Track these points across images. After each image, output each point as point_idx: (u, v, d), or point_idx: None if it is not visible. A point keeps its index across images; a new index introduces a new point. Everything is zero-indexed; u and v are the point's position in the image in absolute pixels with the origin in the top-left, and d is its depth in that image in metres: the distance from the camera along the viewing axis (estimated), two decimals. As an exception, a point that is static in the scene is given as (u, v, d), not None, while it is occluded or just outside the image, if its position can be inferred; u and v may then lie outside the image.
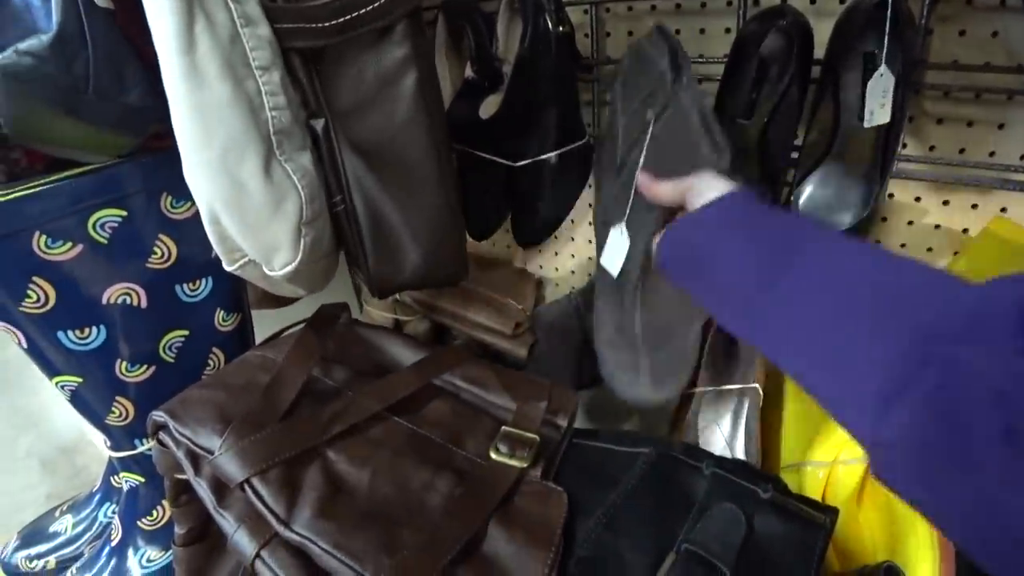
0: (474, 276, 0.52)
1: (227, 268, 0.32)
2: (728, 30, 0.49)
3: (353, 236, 0.36)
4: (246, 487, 0.26)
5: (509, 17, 0.51)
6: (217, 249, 0.32)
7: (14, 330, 0.36)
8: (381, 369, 0.37)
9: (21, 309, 0.35)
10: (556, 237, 0.67)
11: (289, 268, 0.31)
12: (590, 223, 0.62)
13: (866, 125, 0.40)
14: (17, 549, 0.50)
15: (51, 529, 0.51)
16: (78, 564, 0.45)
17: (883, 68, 0.38)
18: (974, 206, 0.43)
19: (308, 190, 0.31)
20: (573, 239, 0.67)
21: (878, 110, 0.39)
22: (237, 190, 0.28)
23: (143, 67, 0.31)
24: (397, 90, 0.33)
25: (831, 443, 0.36)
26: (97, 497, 0.51)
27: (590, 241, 0.66)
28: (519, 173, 0.51)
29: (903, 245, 0.48)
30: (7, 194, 0.34)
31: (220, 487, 0.28)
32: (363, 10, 0.31)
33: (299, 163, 0.31)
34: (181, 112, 0.27)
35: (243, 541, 0.26)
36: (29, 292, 0.35)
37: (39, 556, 0.49)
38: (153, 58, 0.28)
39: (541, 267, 0.72)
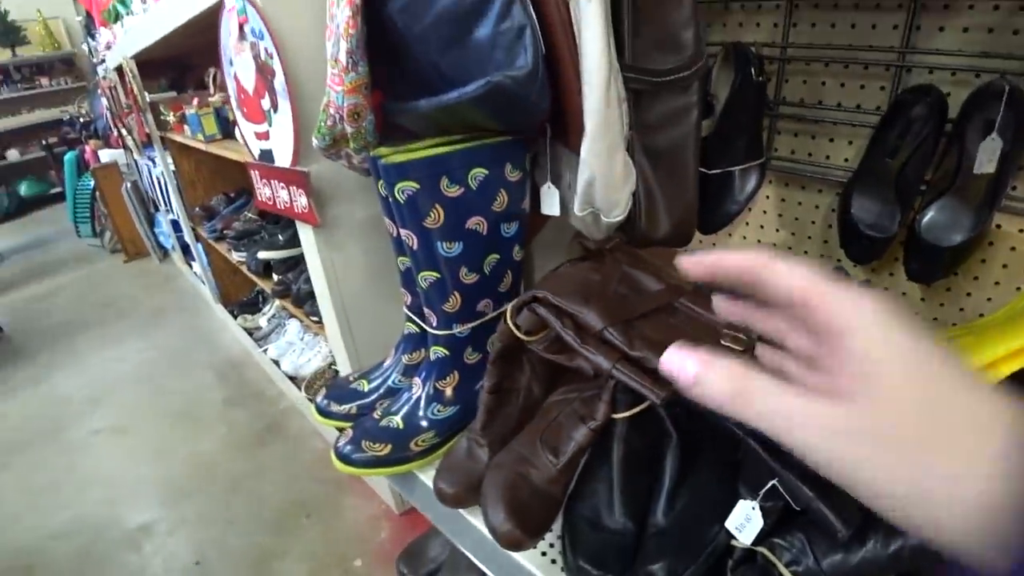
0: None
1: (578, 213, 0.61)
2: (882, 88, 0.75)
3: (635, 204, 0.65)
4: (605, 332, 0.54)
5: (721, 66, 0.79)
6: (579, 202, 0.60)
7: (414, 235, 0.66)
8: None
9: (424, 224, 0.64)
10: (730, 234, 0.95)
11: (619, 218, 0.60)
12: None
13: (975, 172, 0.66)
14: (327, 398, 0.80)
15: (351, 387, 0.81)
16: (383, 406, 0.75)
17: (995, 135, 0.64)
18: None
19: (634, 173, 0.60)
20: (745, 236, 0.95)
21: (986, 163, 0.65)
22: (610, 168, 0.57)
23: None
24: (687, 118, 0.62)
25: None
26: (388, 367, 0.80)
27: (743, 239, 0.93)
28: (714, 178, 0.79)
29: (1004, 266, 0.73)
30: (435, 148, 0.63)
31: (581, 333, 0.56)
32: (681, 75, 0.59)
33: (630, 159, 0.60)
34: (596, 123, 0.55)
35: (602, 361, 0.54)
36: (431, 213, 0.64)
37: (344, 403, 0.79)
38: (562, 81, 0.57)
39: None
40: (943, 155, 0.70)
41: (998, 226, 0.72)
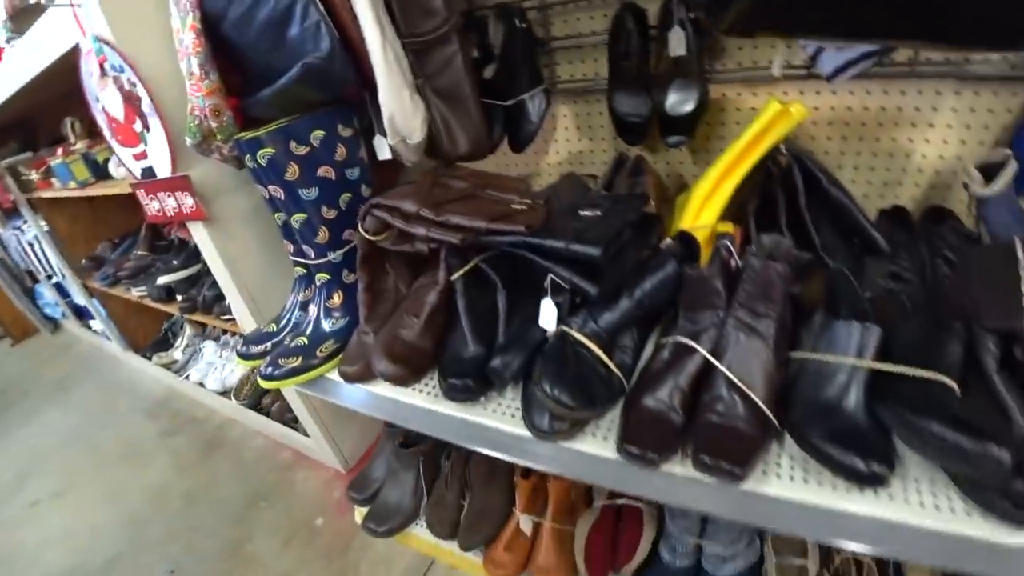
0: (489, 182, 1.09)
1: (391, 143, 0.89)
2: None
3: (437, 132, 0.93)
4: (420, 212, 0.83)
5: (495, 23, 1.09)
6: (390, 133, 0.88)
7: (280, 189, 0.91)
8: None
9: (285, 178, 0.91)
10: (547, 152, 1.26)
11: (419, 139, 0.88)
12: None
13: (673, 55, 0.98)
14: (245, 345, 1.04)
15: (263, 332, 1.06)
16: (291, 334, 1.00)
17: (676, 27, 0.97)
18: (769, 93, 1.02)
19: (422, 106, 0.89)
20: (547, 151, 1.26)
21: (678, 48, 0.98)
22: (401, 106, 0.85)
23: (354, 63, 0.88)
24: (455, 62, 0.91)
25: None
26: (288, 308, 1.06)
27: (557, 152, 1.25)
28: (510, 108, 1.09)
29: (737, 123, 1.07)
30: (283, 123, 0.90)
31: (407, 218, 0.84)
32: (439, 32, 0.88)
33: (418, 96, 0.89)
34: (382, 78, 0.84)
35: (420, 229, 0.82)
36: (288, 169, 0.90)
37: (260, 344, 1.04)
38: (358, 55, 0.85)
39: (527, 164, 1.31)
40: (658, 50, 1.03)
41: (724, 94, 1.06)
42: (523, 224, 0.78)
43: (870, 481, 0.60)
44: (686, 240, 0.84)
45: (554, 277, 0.78)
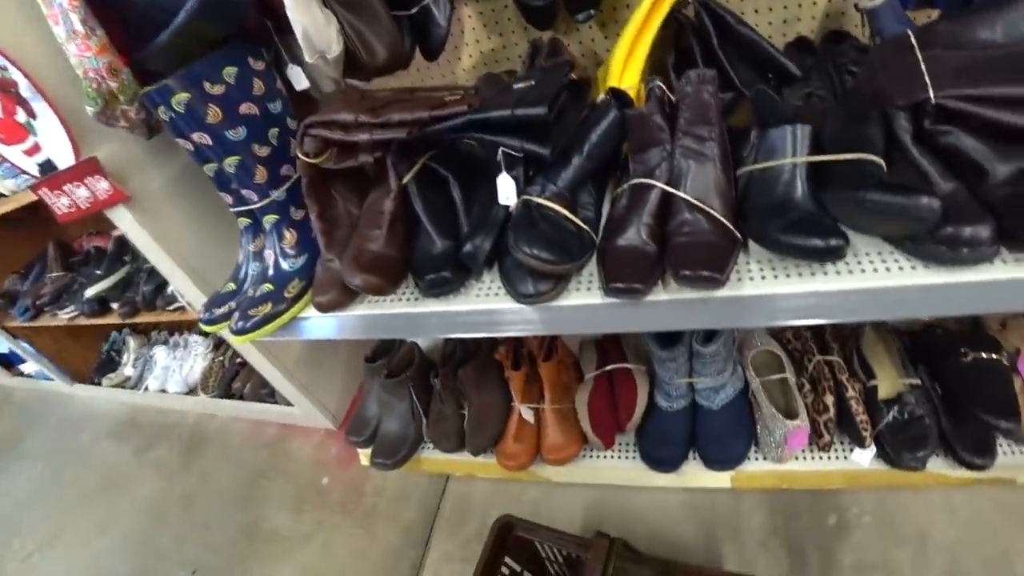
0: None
1: (310, 60, 0.86)
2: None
3: (353, 46, 0.91)
4: (358, 119, 0.81)
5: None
6: (306, 50, 0.85)
7: (206, 135, 0.87)
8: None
9: (207, 122, 0.86)
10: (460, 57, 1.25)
11: (339, 51, 0.86)
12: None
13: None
14: (207, 311, 1.01)
15: (223, 293, 1.02)
16: (253, 286, 0.98)
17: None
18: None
19: (334, 17, 0.86)
20: (460, 56, 1.25)
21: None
22: (312, 18, 0.82)
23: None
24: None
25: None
26: (242, 262, 1.03)
27: (471, 56, 1.23)
28: (417, 16, 1.06)
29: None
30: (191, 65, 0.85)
31: (346, 128, 0.82)
32: (330, -68, 0.85)
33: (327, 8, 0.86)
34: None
35: (363, 135, 0.81)
36: (208, 112, 0.86)
37: (222, 305, 1.01)
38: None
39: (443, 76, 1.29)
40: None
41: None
42: (465, 104, 0.78)
43: (832, 254, 0.66)
44: (618, 95, 0.87)
45: (505, 150, 0.79)
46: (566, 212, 0.78)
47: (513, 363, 1.15)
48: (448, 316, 0.85)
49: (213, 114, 0.87)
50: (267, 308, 0.94)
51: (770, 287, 0.70)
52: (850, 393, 1.01)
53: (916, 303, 0.68)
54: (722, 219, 0.72)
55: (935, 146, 0.70)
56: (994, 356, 0.98)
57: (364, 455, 1.36)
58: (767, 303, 0.70)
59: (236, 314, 0.96)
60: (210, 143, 0.89)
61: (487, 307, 0.81)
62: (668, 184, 0.75)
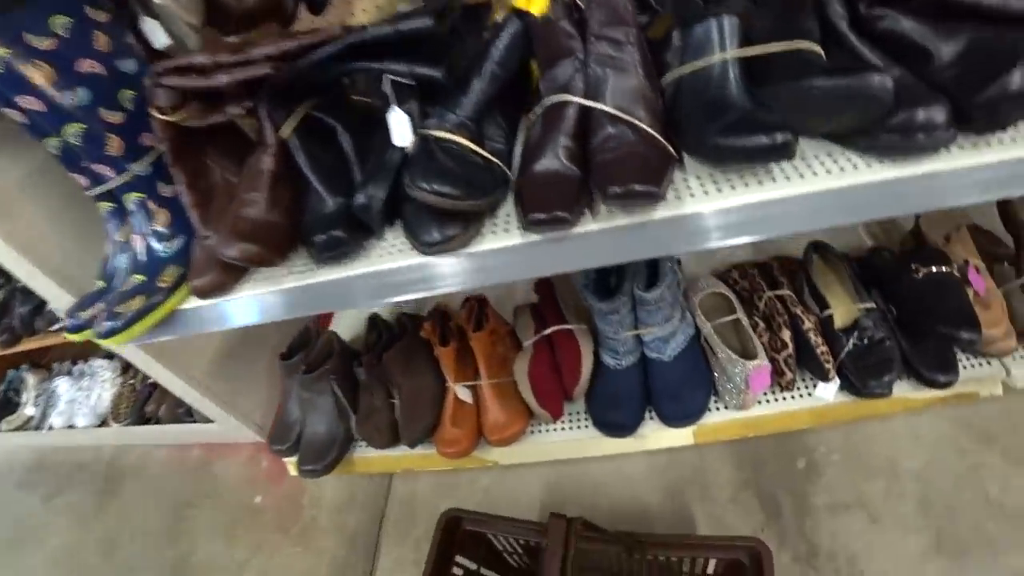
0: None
1: (160, 1, 0.71)
2: None
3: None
4: (217, 59, 0.67)
5: None
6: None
7: (36, 99, 0.71)
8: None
9: (35, 83, 0.70)
10: None
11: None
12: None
13: None
14: (71, 316, 0.85)
15: (91, 293, 0.86)
16: (122, 279, 0.82)
17: None
18: None
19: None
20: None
21: None
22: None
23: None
24: None
25: None
26: (110, 254, 0.86)
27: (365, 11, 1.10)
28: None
29: None
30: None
31: (205, 72, 0.68)
32: None
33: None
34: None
35: (223, 76, 0.67)
36: (35, 70, 0.70)
37: (90, 307, 0.84)
38: None
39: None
40: None
41: None
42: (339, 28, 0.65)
43: (780, 152, 0.57)
44: (521, 12, 0.76)
45: (393, 78, 0.67)
46: (471, 144, 0.67)
47: (441, 339, 1.03)
48: (350, 282, 0.72)
49: (43, 74, 0.71)
50: (139, 302, 0.79)
51: (714, 202, 0.61)
52: (806, 325, 0.93)
53: (875, 202, 0.60)
54: (649, 130, 0.62)
55: (873, 32, 0.64)
56: (944, 269, 0.93)
57: (292, 464, 1.21)
58: (713, 221, 0.61)
59: (102, 314, 0.80)
60: (43, 110, 0.73)
61: (393, 265, 0.69)
62: (585, 98, 0.64)
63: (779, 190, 0.60)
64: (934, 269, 0.93)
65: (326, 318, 1.43)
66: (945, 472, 0.96)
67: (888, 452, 1.00)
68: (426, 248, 0.65)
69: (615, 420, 0.96)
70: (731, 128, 0.59)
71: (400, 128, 0.70)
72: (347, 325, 1.36)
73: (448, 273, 0.67)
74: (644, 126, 0.62)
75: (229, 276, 0.77)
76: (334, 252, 0.71)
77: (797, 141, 0.58)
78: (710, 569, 0.76)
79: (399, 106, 0.69)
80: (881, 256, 1.03)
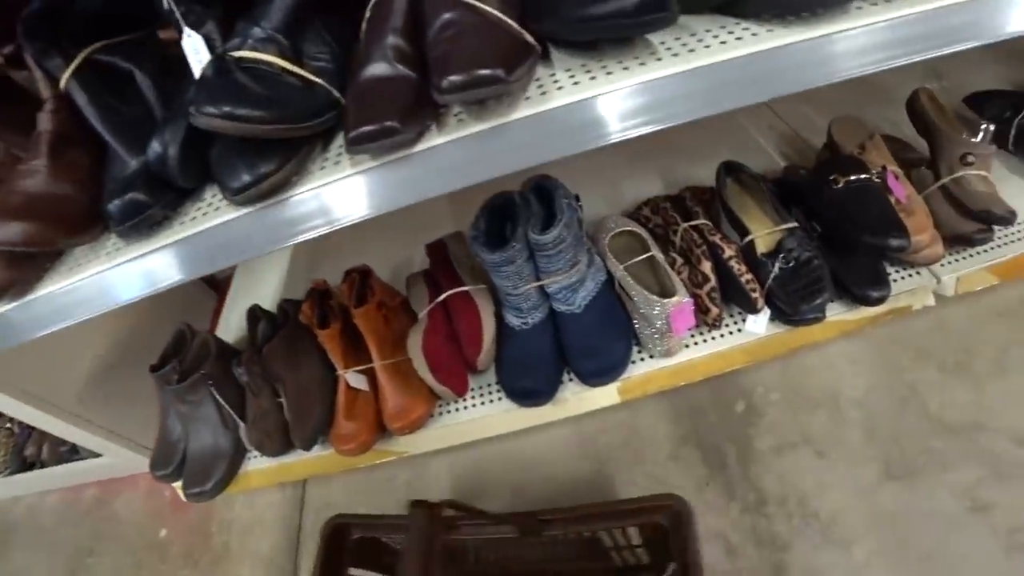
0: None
1: None
2: None
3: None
4: None
5: None
6: None
7: None
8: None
9: None
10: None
11: None
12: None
13: None
14: None
15: None
16: None
17: None
18: None
19: None
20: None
21: None
22: None
23: None
24: None
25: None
26: None
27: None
28: None
29: None
30: None
31: None
32: None
33: None
34: None
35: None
36: None
37: None
38: None
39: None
40: None
41: None
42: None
43: (655, 8, 0.45)
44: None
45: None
46: (282, 61, 0.53)
47: (320, 321, 0.89)
48: (170, 253, 0.58)
49: None
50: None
51: (587, 90, 0.49)
52: (727, 254, 0.84)
53: (781, 74, 0.50)
54: (496, 12, 0.49)
55: None
56: (863, 176, 0.85)
57: (180, 488, 1.05)
58: (587, 114, 0.49)
59: None
60: None
61: (216, 222, 0.55)
62: (419, -12, 0.52)
63: (664, 68, 0.49)
64: (853, 177, 0.84)
65: (214, 321, 1.26)
66: (886, 395, 0.88)
67: (827, 383, 0.92)
68: (234, 196, 0.51)
69: (528, 387, 0.84)
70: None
71: (198, 56, 0.56)
72: (239, 325, 1.20)
73: (260, 229, 0.54)
74: (488, 7, 0.49)
75: (21, 270, 0.61)
76: (134, 220, 0.56)
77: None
78: (635, 540, 0.65)
79: (193, 28, 0.55)
80: (797, 173, 0.95)
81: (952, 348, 0.89)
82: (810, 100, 1.22)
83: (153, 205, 0.56)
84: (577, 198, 0.83)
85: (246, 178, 0.50)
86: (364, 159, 0.51)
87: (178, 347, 0.99)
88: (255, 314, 0.98)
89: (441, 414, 0.90)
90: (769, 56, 0.49)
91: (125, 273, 0.60)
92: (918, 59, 0.50)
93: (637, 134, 0.51)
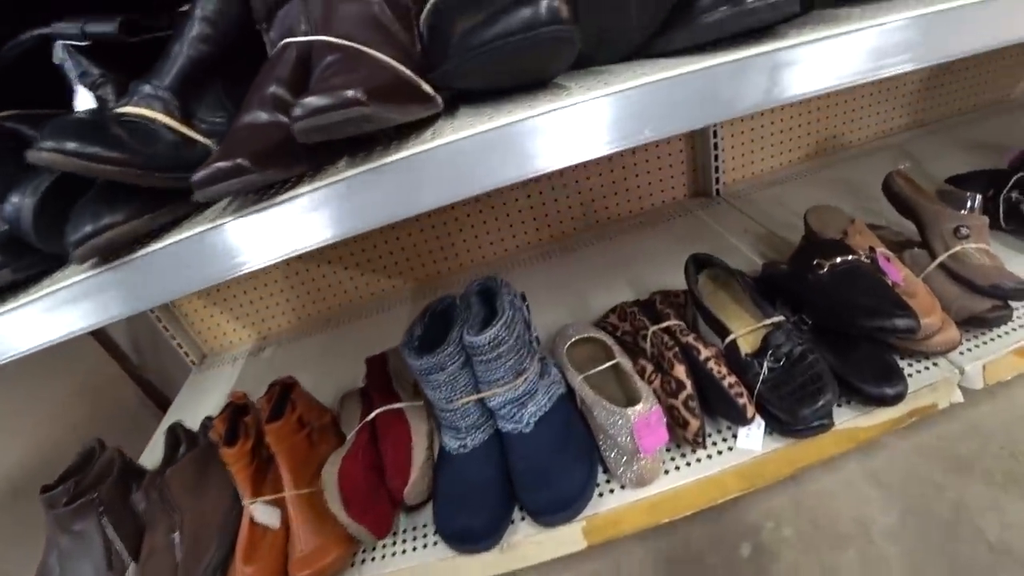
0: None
1: None
2: None
3: None
4: None
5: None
6: None
7: None
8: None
9: None
10: None
11: None
12: None
13: None
14: None
15: None
16: None
17: None
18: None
19: None
20: None
21: None
22: None
23: None
24: None
25: None
26: None
27: None
28: None
29: None
30: None
31: None
32: None
33: None
34: None
35: None
36: None
37: None
38: None
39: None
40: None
41: None
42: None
43: (549, 20, 0.41)
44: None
45: (66, 43, 0.51)
46: (164, 117, 0.49)
47: (228, 438, 0.76)
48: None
49: None
50: None
51: (486, 124, 0.43)
52: (704, 355, 0.72)
53: (718, 92, 0.44)
54: (383, 56, 0.46)
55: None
56: (851, 257, 0.76)
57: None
58: (499, 142, 0.43)
59: None
60: None
61: (72, 281, 0.47)
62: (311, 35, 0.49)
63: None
64: (839, 260, 0.76)
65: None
66: (927, 521, 0.70)
67: (851, 510, 0.74)
68: (72, 248, 0.44)
69: (466, 527, 0.68)
70: (501, 13, 0.43)
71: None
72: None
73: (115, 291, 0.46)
74: (374, 52, 0.46)
75: None
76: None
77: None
78: None
79: (82, 83, 0.52)
80: (776, 267, 0.87)
81: (995, 454, 0.73)
82: (784, 203, 1.19)
83: (15, 267, 0.49)
84: (522, 296, 0.74)
85: (87, 229, 0.43)
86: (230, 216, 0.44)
87: (82, 465, 0.86)
88: (175, 433, 0.86)
89: (364, 561, 0.73)
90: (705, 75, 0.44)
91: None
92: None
93: (543, 169, 0.44)
